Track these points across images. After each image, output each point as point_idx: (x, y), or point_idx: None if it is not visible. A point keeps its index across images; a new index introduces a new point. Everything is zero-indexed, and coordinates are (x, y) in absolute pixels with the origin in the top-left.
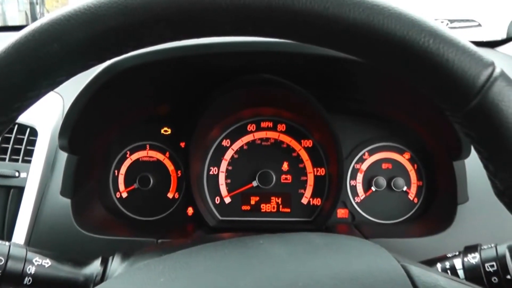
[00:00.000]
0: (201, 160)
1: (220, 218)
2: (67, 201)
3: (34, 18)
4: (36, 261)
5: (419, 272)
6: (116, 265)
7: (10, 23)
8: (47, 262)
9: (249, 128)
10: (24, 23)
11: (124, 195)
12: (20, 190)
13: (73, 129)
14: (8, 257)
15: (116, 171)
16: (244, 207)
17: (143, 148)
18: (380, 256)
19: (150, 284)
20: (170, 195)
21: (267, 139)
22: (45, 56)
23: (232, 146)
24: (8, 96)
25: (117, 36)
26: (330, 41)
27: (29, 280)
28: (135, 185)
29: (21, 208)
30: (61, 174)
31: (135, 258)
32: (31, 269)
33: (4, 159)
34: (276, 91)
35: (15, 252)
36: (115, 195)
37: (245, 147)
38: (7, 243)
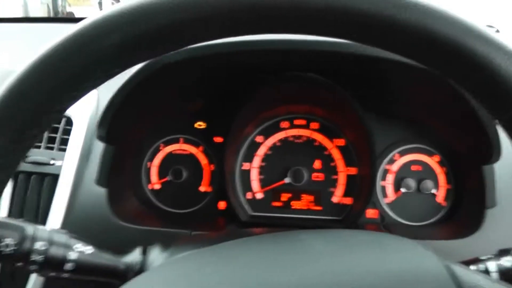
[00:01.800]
0: (234, 155)
1: (251, 213)
2: (102, 190)
3: (55, 11)
4: (77, 247)
5: (462, 272)
6: (155, 255)
7: (32, 15)
8: (88, 249)
9: (282, 125)
10: (45, 15)
11: (157, 187)
12: (54, 177)
13: (112, 120)
14: (51, 242)
15: (149, 163)
16: (275, 204)
17: (176, 141)
18: (423, 255)
19: (194, 275)
20: (202, 189)
21: (299, 137)
22: (106, 47)
23: (265, 142)
24: (67, 85)
25: (184, 30)
26: (405, 50)
27: (71, 266)
28: (168, 177)
29: (55, 195)
30: (96, 163)
31: (174, 249)
32: (73, 255)
33: (39, 147)
34: (313, 88)
35: (57, 238)
36: (148, 186)
37: (278, 144)
38: (49, 229)
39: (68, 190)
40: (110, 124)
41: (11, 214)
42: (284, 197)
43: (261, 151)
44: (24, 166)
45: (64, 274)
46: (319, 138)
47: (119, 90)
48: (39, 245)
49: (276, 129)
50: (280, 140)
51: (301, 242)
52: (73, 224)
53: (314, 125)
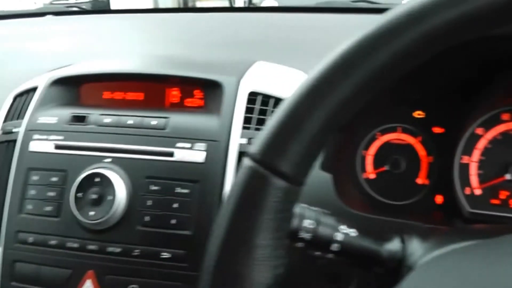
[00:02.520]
0: (454, 148)
1: (470, 210)
2: (328, 176)
3: (185, 2)
4: (342, 228)
5: None
6: (415, 245)
7: (161, 5)
8: (352, 231)
9: (503, 118)
10: (175, 5)
11: (372, 176)
12: None
13: None
14: (318, 222)
15: (363, 152)
16: (493, 201)
17: (393, 130)
18: None
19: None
20: (419, 181)
21: None
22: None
23: (486, 135)
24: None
25: None
26: None
27: (337, 247)
28: (386, 167)
29: None
30: None
31: (435, 240)
32: (339, 236)
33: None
34: None
35: (324, 218)
36: (362, 175)
37: (498, 137)
38: (316, 209)
39: None
40: None
41: None
42: (503, 194)
43: (481, 144)
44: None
45: (328, 255)
46: None
47: None
48: (307, 223)
49: (497, 121)
50: (501, 134)
51: None
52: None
53: None
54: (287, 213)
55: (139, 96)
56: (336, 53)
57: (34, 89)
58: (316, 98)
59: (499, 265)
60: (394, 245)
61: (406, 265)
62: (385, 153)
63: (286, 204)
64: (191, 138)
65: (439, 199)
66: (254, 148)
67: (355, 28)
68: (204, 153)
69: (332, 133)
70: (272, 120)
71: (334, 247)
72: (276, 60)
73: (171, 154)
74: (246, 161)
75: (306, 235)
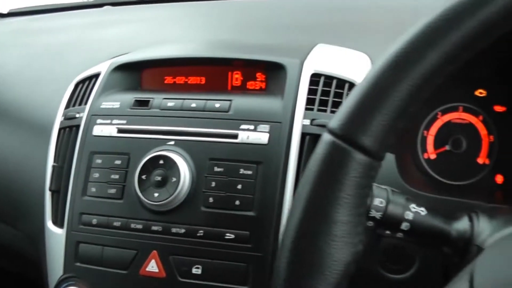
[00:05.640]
0: None
1: None
2: (390, 156)
3: None
4: (413, 207)
5: None
6: (483, 224)
7: None
8: (422, 210)
9: None
10: None
11: (432, 156)
12: None
13: None
14: (388, 200)
15: (425, 132)
16: None
17: (455, 109)
18: None
19: None
20: (480, 161)
21: None
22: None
23: None
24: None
25: None
26: None
27: (406, 226)
28: (447, 147)
29: None
30: None
31: (503, 219)
32: (410, 215)
33: (325, 111)
34: None
35: (394, 197)
36: (423, 156)
37: None
38: (385, 187)
39: None
40: None
41: None
42: None
43: None
44: None
45: (398, 234)
46: None
47: None
48: (378, 202)
49: None
50: None
51: None
52: None
53: None
54: (367, 189)
55: (201, 80)
56: (421, 23)
57: (96, 76)
58: (400, 70)
59: None
60: (462, 224)
61: (474, 244)
62: (446, 133)
63: (367, 179)
64: (255, 120)
65: (499, 178)
66: (334, 122)
67: (416, 10)
68: (268, 135)
69: (415, 107)
70: (354, 94)
71: (404, 226)
72: (338, 43)
73: (235, 136)
74: (326, 136)
75: (377, 214)
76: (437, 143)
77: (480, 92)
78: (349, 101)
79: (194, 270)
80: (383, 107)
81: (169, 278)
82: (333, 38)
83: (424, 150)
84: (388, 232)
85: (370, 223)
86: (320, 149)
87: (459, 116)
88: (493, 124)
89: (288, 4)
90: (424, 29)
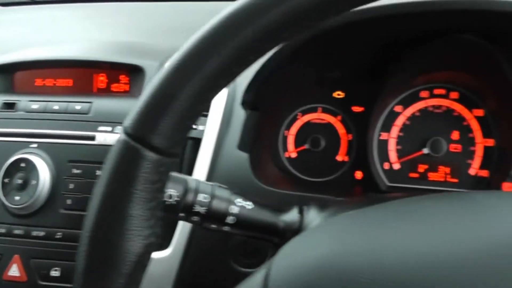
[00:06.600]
0: (372, 125)
1: (388, 184)
2: (244, 155)
3: None
4: (239, 201)
5: None
6: (313, 215)
7: None
8: (248, 204)
9: (422, 95)
10: None
11: (293, 155)
12: (196, 141)
13: (259, 87)
14: (213, 196)
15: (285, 132)
16: (412, 175)
17: (314, 110)
18: None
19: (374, 228)
20: (339, 158)
21: (439, 107)
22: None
23: (404, 112)
24: (220, 71)
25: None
26: None
27: (232, 220)
28: (306, 146)
29: (198, 158)
30: (237, 129)
31: (331, 210)
32: (235, 209)
33: None
34: (462, 52)
35: (219, 192)
36: (284, 154)
37: (417, 114)
38: (211, 183)
39: (210, 153)
40: (257, 91)
41: None
42: (421, 168)
43: (400, 121)
44: None
45: (225, 227)
46: (458, 108)
47: (274, 55)
48: (202, 197)
49: (416, 98)
50: (420, 110)
51: (483, 202)
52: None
53: (454, 94)
54: (159, 184)
55: (69, 82)
56: (203, 30)
57: None
58: (184, 73)
59: (384, 227)
60: (291, 216)
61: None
62: (306, 132)
63: (157, 175)
64: (113, 122)
65: (358, 174)
66: (127, 122)
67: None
68: None
69: (203, 106)
70: (144, 95)
71: (230, 219)
72: None
73: (92, 138)
74: (121, 135)
75: (201, 209)
76: (298, 142)
77: (338, 94)
78: (139, 102)
79: (52, 273)
80: (170, 108)
81: (30, 282)
82: None
83: (285, 149)
84: (214, 226)
85: (196, 218)
86: (115, 147)
87: (318, 116)
88: (352, 123)
89: (169, 6)
90: (204, 36)
